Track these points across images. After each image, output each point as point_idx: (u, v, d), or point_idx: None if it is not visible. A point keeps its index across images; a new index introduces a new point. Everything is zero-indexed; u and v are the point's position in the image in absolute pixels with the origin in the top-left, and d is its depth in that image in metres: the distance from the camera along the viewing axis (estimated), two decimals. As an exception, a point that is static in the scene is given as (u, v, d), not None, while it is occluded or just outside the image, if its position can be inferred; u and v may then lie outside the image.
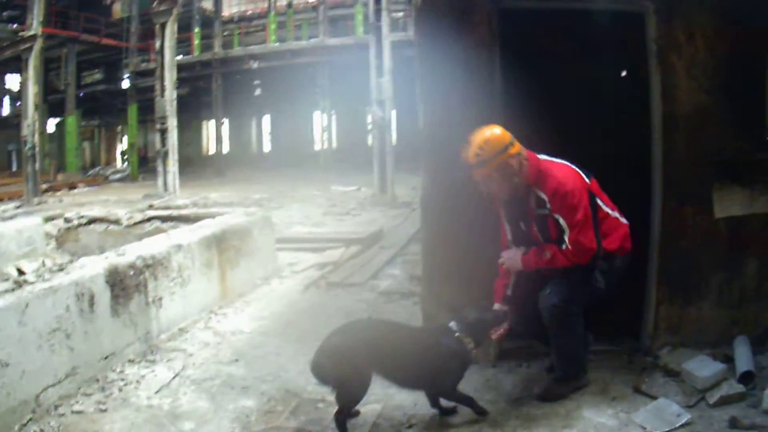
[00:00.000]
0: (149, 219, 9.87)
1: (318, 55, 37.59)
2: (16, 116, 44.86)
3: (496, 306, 4.98)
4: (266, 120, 50.07)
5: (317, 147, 44.74)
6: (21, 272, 8.36)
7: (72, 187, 32.17)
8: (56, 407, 4.87)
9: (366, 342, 4.38)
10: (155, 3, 23.12)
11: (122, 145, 52.29)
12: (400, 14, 31.35)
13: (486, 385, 5.22)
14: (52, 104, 41.51)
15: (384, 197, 19.59)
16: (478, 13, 5.51)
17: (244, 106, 46.17)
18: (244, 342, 6.49)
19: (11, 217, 14.74)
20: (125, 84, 42.80)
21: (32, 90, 24.55)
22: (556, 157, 4.98)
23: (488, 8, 5.51)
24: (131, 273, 6.03)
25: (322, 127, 40.88)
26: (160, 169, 22.90)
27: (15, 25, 35.30)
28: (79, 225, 10.07)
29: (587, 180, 4.86)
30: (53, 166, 38.24)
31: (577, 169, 4.86)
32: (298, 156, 43.20)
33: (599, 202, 4.88)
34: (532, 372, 5.44)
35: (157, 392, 5.31)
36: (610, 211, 4.95)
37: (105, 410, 4.94)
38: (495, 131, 4.76)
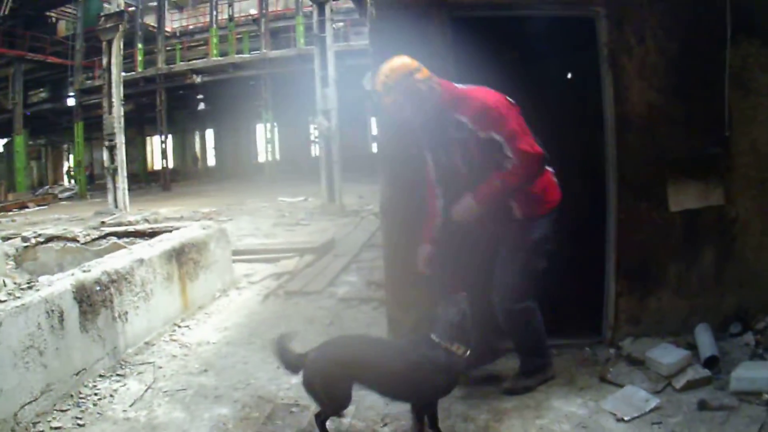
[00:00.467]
0: (106, 235, 9.80)
1: (260, 67, 37.59)
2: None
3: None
4: (210, 134, 50.19)
5: (261, 159, 44.83)
6: (-18, 293, 8.32)
7: (22, 206, 31.82)
8: (34, 424, 4.87)
9: (352, 358, 4.36)
10: (102, 20, 23.04)
11: (68, 163, 51.81)
12: (341, 24, 31.49)
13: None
14: None
15: (333, 206, 19.71)
16: (432, 23, 5.65)
17: (187, 121, 46.22)
18: (211, 353, 6.55)
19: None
20: (71, 102, 42.41)
21: (-20, 111, 24.32)
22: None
23: (442, 17, 5.65)
24: (97, 289, 6.04)
25: (265, 139, 40.76)
26: (110, 185, 22.83)
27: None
28: (37, 243, 9.97)
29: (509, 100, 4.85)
30: (3, 186, 37.74)
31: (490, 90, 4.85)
32: (243, 169, 43.28)
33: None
34: (498, 368, 5.53)
35: (131, 405, 5.33)
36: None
37: (83, 425, 4.96)
38: (402, 58, 4.81)
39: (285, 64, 35.72)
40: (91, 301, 5.89)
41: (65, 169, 52.21)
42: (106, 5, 23.28)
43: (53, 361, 5.23)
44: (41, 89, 47.98)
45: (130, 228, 10.35)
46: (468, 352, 4.43)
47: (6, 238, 10.42)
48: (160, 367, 6.13)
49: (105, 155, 23.83)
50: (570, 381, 5.20)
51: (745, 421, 4.32)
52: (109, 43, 22.77)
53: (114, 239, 9.56)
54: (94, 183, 43.11)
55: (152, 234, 9.02)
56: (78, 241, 9.77)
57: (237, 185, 33.60)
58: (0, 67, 37.13)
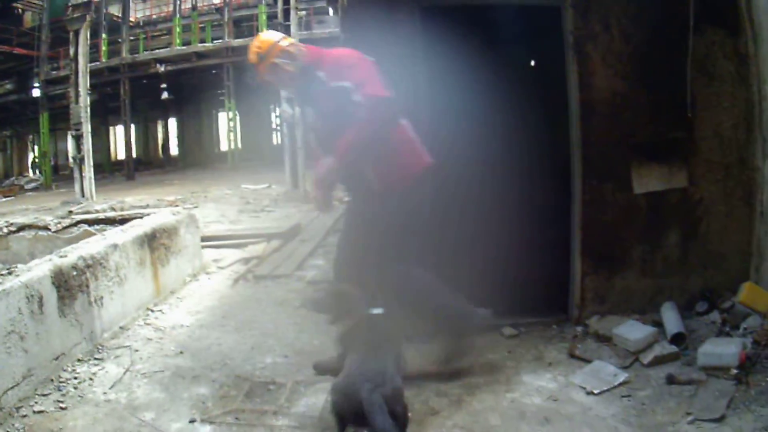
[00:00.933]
0: (77, 223, 9.75)
1: (223, 56, 37.78)
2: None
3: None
4: (173, 123, 50.07)
5: (224, 147, 44.86)
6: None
7: (-11, 198, 31.70)
8: (17, 409, 4.89)
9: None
10: (69, 10, 22.82)
11: (33, 154, 51.38)
12: (303, 13, 31.46)
13: (423, 359, 5.36)
14: (-36, 117, 40.82)
15: (296, 193, 19.72)
16: (402, 11, 5.76)
17: (151, 110, 46.00)
18: (185, 335, 6.60)
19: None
20: (36, 93, 42.10)
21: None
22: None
23: (411, 7, 5.76)
24: (74, 273, 6.05)
25: (228, 128, 40.83)
26: (76, 175, 22.77)
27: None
28: (9, 233, 9.93)
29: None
30: (-31, 179, 37.50)
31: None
32: (206, 157, 43.25)
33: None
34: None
35: (111, 387, 5.37)
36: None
37: (65, 408, 4.99)
38: (266, 32, 5.51)
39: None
40: (68, 285, 5.89)
41: (30, 160, 51.80)
42: (72, -5, 23.02)
43: (34, 345, 5.22)
44: (6, 81, 47.56)
45: (101, 215, 10.32)
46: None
47: (-25, 229, 10.36)
48: (137, 351, 6.16)
49: (71, 145, 23.79)
50: (538, 357, 5.34)
51: (714, 394, 4.42)
52: (76, 33, 22.64)
53: (85, 227, 9.53)
54: (58, 173, 42.82)
55: (123, 221, 9.01)
56: (50, 230, 9.73)
57: (200, 173, 33.55)
58: (-32, 60, 36.78)
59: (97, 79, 35.78)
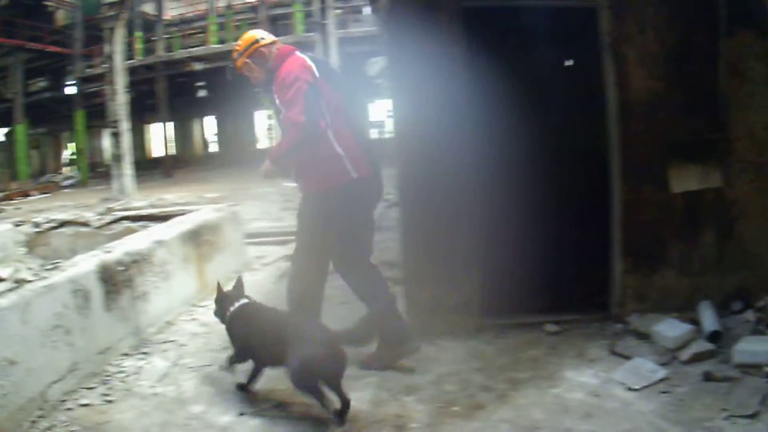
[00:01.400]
0: (119, 220, 9.80)
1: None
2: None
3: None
4: (210, 121, 49.74)
5: (263, 145, 44.77)
6: (-3, 277, 8.37)
7: (25, 194, 31.76)
8: (62, 402, 4.94)
9: None
10: (104, 8, 22.93)
11: (68, 151, 51.67)
12: (339, 11, 31.44)
13: (470, 354, 5.50)
14: (0, 114, 40.96)
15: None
16: (444, 11, 5.81)
17: (188, 108, 45.67)
18: None
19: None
20: (70, 90, 42.18)
21: (-18, 100, 24.23)
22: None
23: (453, 7, 5.81)
24: (120, 269, 6.11)
25: (266, 125, 40.78)
26: (115, 172, 22.79)
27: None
28: (49, 229, 9.98)
29: (316, 75, 5.27)
30: (6, 175, 37.71)
31: (309, 62, 5.34)
32: (244, 155, 42.81)
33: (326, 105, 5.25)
34: (510, 342, 5.73)
35: (159, 381, 5.43)
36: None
37: (112, 401, 5.05)
38: (253, 31, 5.83)
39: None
40: (114, 281, 5.96)
41: (65, 157, 51.97)
42: (106, -6, 23.10)
43: (79, 339, 5.31)
44: (40, 78, 47.75)
45: (143, 212, 10.37)
46: None
47: (17, 224, 10.43)
48: (183, 345, 6.25)
49: (109, 142, 24.05)
50: (580, 353, 5.38)
51: (748, 391, 4.46)
52: (112, 30, 22.68)
53: (127, 223, 9.56)
54: (94, 170, 42.92)
55: (165, 217, 9.01)
56: (91, 226, 9.78)
57: (239, 171, 33.22)
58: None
59: (134, 76, 35.76)
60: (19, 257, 9.80)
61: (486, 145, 5.90)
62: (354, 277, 5.61)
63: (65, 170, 47.54)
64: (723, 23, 5.73)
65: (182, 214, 8.83)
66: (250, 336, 4.94)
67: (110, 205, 14.07)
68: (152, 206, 13.00)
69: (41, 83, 47.93)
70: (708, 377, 4.73)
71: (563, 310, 6.11)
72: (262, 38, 5.57)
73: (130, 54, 35.38)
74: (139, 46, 39.34)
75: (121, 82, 22.46)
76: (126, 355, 5.93)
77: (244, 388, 5.04)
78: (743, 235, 5.92)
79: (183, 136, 48.21)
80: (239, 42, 5.63)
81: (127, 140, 22.72)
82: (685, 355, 5.06)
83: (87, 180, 38.34)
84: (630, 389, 4.69)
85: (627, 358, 5.17)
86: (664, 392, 4.64)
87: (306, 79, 5.16)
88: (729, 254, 5.93)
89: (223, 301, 5.30)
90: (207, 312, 6.97)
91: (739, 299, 5.82)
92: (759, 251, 5.91)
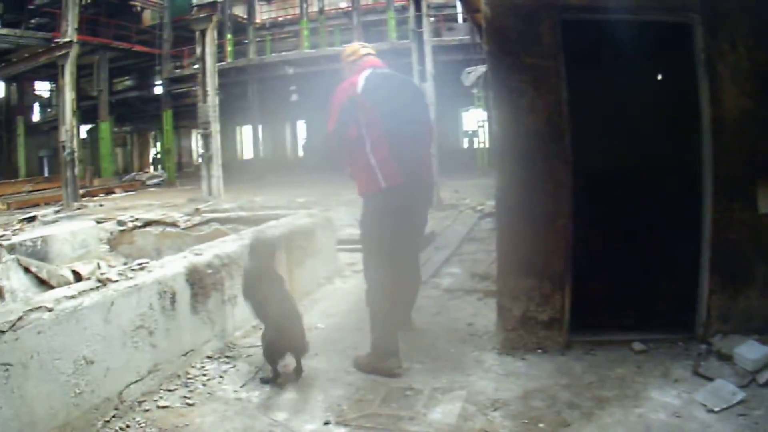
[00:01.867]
0: (208, 221, 9.88)
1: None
2: (47, 122, 45.05)
3: None
4: (300, 125, 49.80)
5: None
6: (76, 274, 8.40)
7: (109, 192, 32.37)
8: (140, 403, 4.97)
9: None
10: (194, 10, 23.09)
11: (155, 150, 52.39)
12: (432, 19, 31.41)
13: (558, 371, 5.48)
14: (84, 111, 41.54)
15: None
16: (543, 23, 5.84)
17: (277, 112, 45.96)
18: (321, 338, 6.59)
19: (54, 221, 14.77)
20: (158, 90, 42.82)
21: (69, 96, 24.57)
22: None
23: (553, 19, 5.83)
24: (209, 272, 6.16)
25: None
26: (204, 173, 22.84)
27: (41, 33, 35.00)
28: (134, 228, 10.04)
29: (358, 92, 5.87)
30: (89, 172, 38.14)
31: (361, 79, 5.96)
32: (336, 160, 43.16)
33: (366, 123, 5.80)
34: (598, 359, 5.69)
35: (242, 386, 5.45)
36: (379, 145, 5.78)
37: (192, 404, 5.07)
38: (357, 43, 6.74)
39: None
40: (203, 283, 6.03)
41: (152, 156, 52.83)
42: (196, -5, 23.27)
43: (162, 341, 5.40)
44: (126, 77, 48.62)
45: (233, 215, 10.47)
46: None
47: (98, 222, 10.48)
48: None
49: (199, 143, 24.31)
50: (665, 373, 5.34)
51: (823, 416, 4.45)
52: (203, 32, 22.82)
53: (216, 225, 9.69)
54: (181, 170, 43.55)
55: (255, 221, 9.09)
56: (178, 226, 9.83)
57: (330, 176, 33.34)
58: (84, 55, 37.33)
59: (224, 78, 36.26)
60: (101, 255, 9.85)
61: (580, 159, 5.92)
62: (372, 272, 5.99)
63: (151, 169, 48.32)
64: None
65: (274, 218, 8.86)
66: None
67: (198, 206, 14.18)
68: (241, 208, 13.08)
69: (127, 82, 48.85)
70: (783, 401, 4.72)
71: (649, 328, 6.09)
72: (351, 53, 6.40)
73: (220, 56, 35.85)
74: (229, 48, 39.76)
75: (211, 84, 22.55)
76: (210, 358, 5.99)
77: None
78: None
79: (273, 139, 48.44)
80: (345, 49, 6.52)
81: (217, 142, 22.79)
82: (763, 377, 5.04)
83: (174, 179, 38.96)
84: (710, 411, 4.67)
85: (709, 379, 5.15)
86: (741, 415, 4.61)
87: (348, 95, 5.89)
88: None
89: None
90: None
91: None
92: None
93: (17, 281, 7.99)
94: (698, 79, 5.82)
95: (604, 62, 7.03)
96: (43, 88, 50.08)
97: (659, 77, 7.77)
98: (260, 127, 41.07)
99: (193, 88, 24.90)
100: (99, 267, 8.78)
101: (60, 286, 6.65)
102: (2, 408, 3.94)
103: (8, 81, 44.18)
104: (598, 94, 6.62)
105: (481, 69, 22.20)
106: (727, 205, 5.73)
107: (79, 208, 23.30)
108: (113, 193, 32.33)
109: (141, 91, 46.95)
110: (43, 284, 8.05)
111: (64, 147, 24.76)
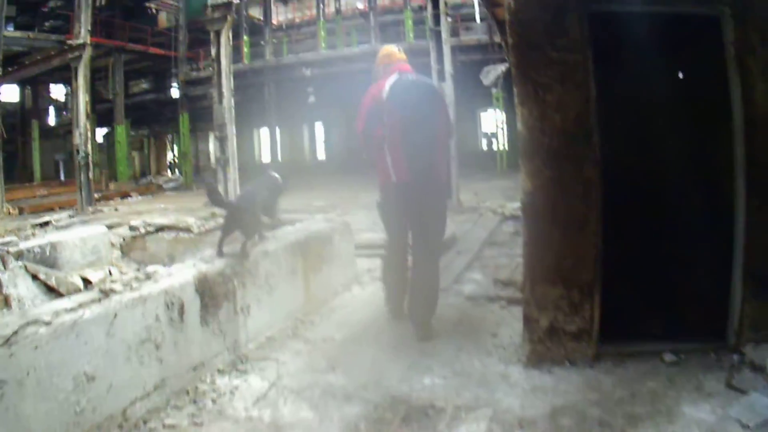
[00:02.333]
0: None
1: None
2: (62, 126, 45.26)
3: None
4: (318, 127, 49.96)
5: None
6: (87, 281, 8.27)
7: (124, 195, 32.39)
8: (145, 422, 4.78)
9: None
10: (209, 10, 22.92)
11: (173, 153, 52.44)
12: (450, 19, 31.39)
13: (587, 385, 5.30)
14: (100, 114, 41.76)
15: (449, 202, 19.11)
16: (570, 16, 5.63)
17: (295, 114, 46.02)
18: (337, 350, 6.38)
19: (67, 226, 14.64)
20: (174, 93, 42.84)
21: (83, 99, 24.64)
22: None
23: (580, 12, 5.64)
24: (220, 281, 5.96)
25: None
26: (220, 176, 22.63)
27: (55, 36, 35.03)
28: (147, 233, 9.91)
29: (383, 96, 6.61)
30: (104, 175, 38.36)
31: (387, 85, 6.68)
32: (354, 163, 43.07)
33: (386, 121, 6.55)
34: (628, 372, 5.51)
35: (254, 403, 5.21)
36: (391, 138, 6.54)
37: (200, 423, 4.86)
38: (388, 46, 7.38)
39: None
40: (213, 293, 5.83)
41: (169, 159, 52.92)
42: (211, -4, 23.15)
43: (170, 355, 5.20)
44: (142, 80, 48.72)
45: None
46: None
47: (110, 227, 10.34)
48: (284, 364, 6.00)
49: (215, 146, 24.05)
50: (698, 387, 5.19)
51: None
52: (218, 33, 22.66)
53: (232, 231, 9.48)
54: (198, 174, 43.56)
55: (272, 226, 8.81)
56: (192, 232, 9.68)
57: (348, 179, 33.42)
58: (99, 58, 37.32)
59: (241, 80, 36.21)
60: (113, 261, 9.70)
61: (609, 160, 5.76)
62: (386, 257, 7.24)
63: (169, 172, 48.39)
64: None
65: (291, 224, 8.70)
66: None
67: (214, 210, 14.03)
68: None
69: (143, 85, 49.05)
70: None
71: (679, 337, 5.92)
72: (385, 56, 7.09)
73: (237, 58, 35.78)
74: (246, 50, 39.82)
75: (227, 85, 22.42)
76: (221, 372, 5.77)
77: None
78: None
79: (290, 142, 48.50)
80: (380, 51, 7.21)
81: (232, 144, 22.60)
82: (794, 390, 4.91)
83: (190, 183, 39.10)
84: (745, 426, 4.53)
85: (743, 392, 5.01)
86: (777, 430, 4.49)
87: (375, 98, 6.64)
88: None
89: None
90: (312, 328, 6.99)
91: None
92: None
93: (25, 289, 7.89)
94: (729, 75, 5.63)
95: (636, 57, 6.66)
96: (58, 91, 50.42)
97: (680, 75, 7.39)
98: (277, 129, 41.01)
99: (210, 90, 24.83)
100: (110, 274, 8.65)
101: (69, 293, 6.58)
102: (-4, 429, 3.80)
103: (23, 84, 44.58)
104: (617, 90, 6.35)
105: (501, 68, 21.98)
106: (761, 208, 5.54)
107: (93, 213, 23.37)
108: (129, 197, 32.39)
109: (157, 93, 47.24)
110: (52, 291, 7.95)
111: (78, 150, 24.71)
